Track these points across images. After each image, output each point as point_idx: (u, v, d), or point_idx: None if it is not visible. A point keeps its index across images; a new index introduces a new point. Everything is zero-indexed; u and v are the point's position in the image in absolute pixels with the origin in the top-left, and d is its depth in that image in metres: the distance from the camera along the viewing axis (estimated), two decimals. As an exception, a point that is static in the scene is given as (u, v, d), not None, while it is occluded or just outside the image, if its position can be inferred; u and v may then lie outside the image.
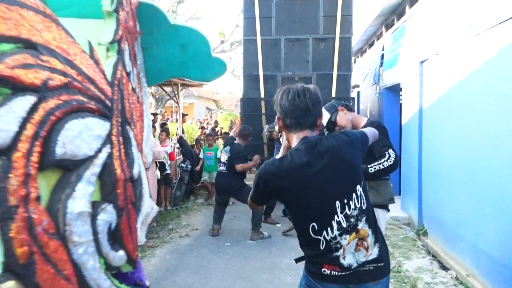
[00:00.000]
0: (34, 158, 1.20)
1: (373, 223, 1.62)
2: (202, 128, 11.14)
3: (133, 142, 1.71)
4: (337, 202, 1.56)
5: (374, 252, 1.59)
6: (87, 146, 1.41)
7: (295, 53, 7.43)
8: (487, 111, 3.58)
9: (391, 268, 4.20)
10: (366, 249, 1.57)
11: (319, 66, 7.36)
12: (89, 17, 1.56)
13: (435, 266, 4.29)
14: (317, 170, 1.56)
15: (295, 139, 1.67)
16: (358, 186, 1.60)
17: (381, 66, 7.94)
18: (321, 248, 1.57)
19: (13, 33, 1.01)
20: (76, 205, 1.36)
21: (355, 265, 1.56)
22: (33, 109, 1.17)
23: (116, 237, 1.60)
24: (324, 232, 1.56)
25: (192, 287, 3.88)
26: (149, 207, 1.90)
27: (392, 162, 2.62)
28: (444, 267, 4.25)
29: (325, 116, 3.01)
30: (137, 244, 1.81)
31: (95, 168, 1.45)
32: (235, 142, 5.59)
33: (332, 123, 2.97)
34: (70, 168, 1.37)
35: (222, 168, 5.51)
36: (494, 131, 3.47)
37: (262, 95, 7.42)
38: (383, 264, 1.61)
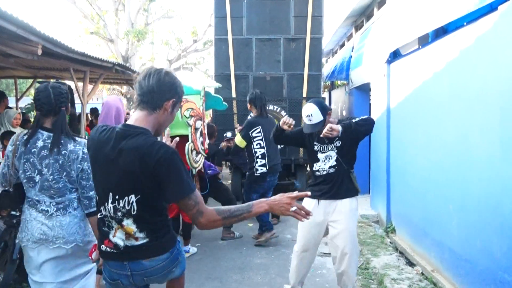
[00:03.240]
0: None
1: (146, 227, 1.76)
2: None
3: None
4: (110, 194, 1.76)
5: (145, 240, 1.77)
6: None
7: (267, 53, 7.44)
8: (452, 112, 3.69)
9: (358, 265, 4.28)
10: (136, 239, 1.77)
11: (290, 66, 7.39)
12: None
13: (402, 262, 4.39)
14: (110, 158, 1.73)
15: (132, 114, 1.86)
16: (132, 196, 1.73)
17: (349, 66, 8.08)
18: (101, 221, 1.83)
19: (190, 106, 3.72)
20: None
21: (122, 244, 1.76)
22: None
23: None
24: (102, 207, 1.81)
25: (161, 289, 3.81)
26: None
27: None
28: (410, 263, 4.36)
29: (318, 117, 3.12)
30: None
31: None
32: None
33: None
34: None
35: None
36: (458, 132, 3.58)
37: (234, 95, 7.39)
38: (155, 244, 1.78)
